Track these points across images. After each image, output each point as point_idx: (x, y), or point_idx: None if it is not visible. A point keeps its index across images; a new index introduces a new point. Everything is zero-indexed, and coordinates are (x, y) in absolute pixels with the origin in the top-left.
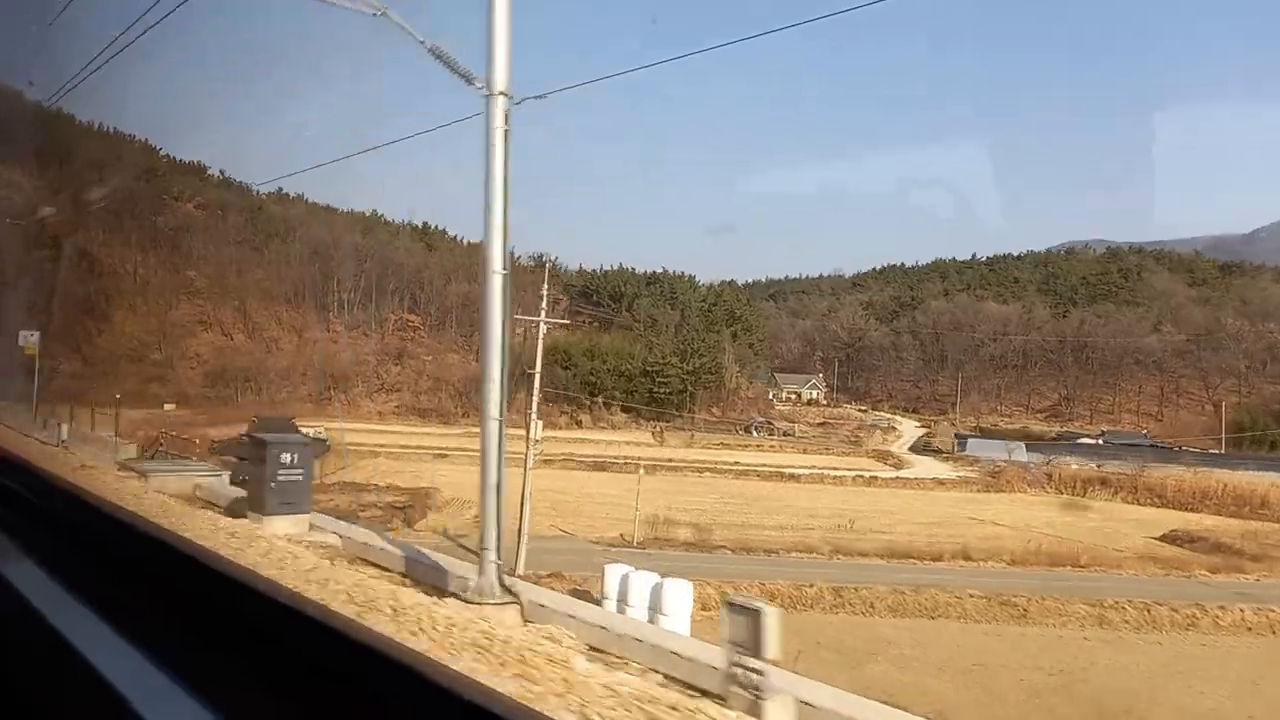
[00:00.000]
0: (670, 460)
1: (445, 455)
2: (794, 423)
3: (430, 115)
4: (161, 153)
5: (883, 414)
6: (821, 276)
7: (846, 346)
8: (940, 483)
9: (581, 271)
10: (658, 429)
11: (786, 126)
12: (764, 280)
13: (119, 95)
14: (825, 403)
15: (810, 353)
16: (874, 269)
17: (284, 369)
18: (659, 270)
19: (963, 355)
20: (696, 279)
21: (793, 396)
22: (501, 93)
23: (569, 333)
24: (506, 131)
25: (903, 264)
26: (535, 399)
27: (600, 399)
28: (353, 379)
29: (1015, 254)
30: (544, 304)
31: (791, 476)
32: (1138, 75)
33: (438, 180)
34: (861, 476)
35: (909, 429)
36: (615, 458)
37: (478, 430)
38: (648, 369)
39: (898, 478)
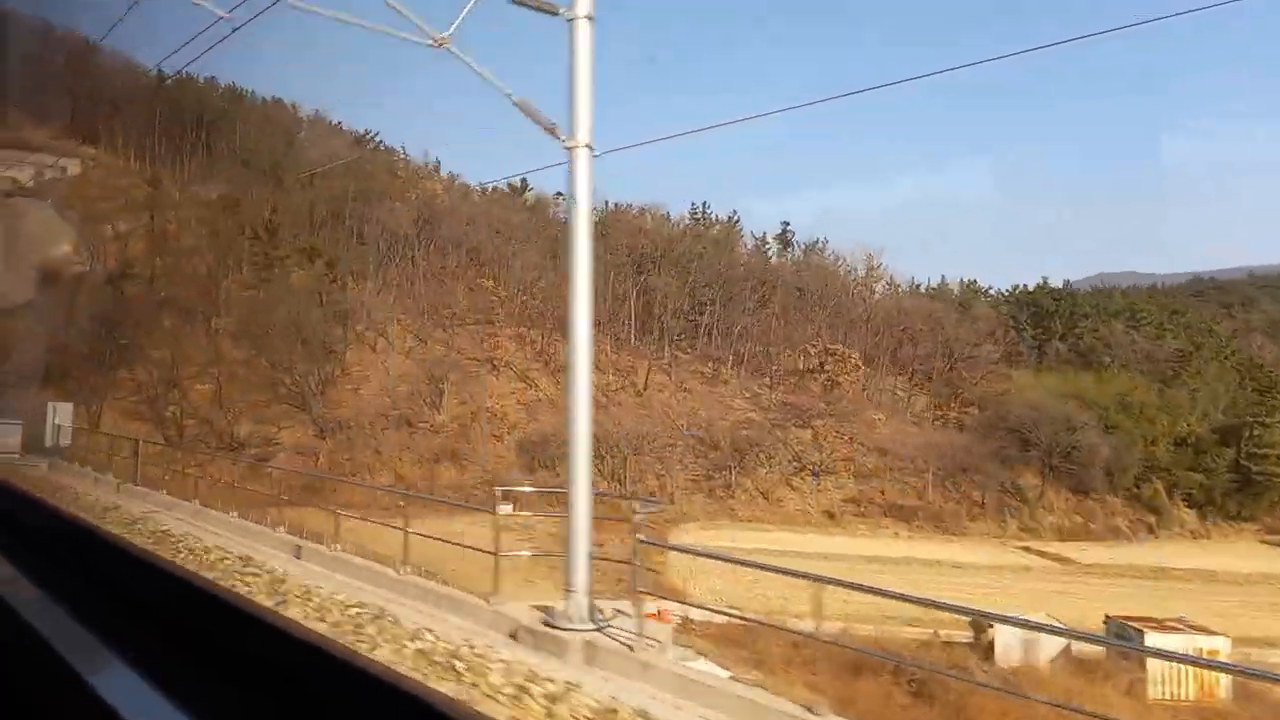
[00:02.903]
0: None
1: None
2: None
3: None
4: (331, 120)
5: None
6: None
7: None
8: None
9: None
10: None
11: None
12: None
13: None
14: None
15: None
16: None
17: (637, 436)
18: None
19: None
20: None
21: None
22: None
23: (1032, 373)
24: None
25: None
26: None
27: (1158, 485)
28: (754, 454)
29: None
30: None
31: None
32: None
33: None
34: None
35: None
36: None
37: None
38: (1248, 434)
39: None
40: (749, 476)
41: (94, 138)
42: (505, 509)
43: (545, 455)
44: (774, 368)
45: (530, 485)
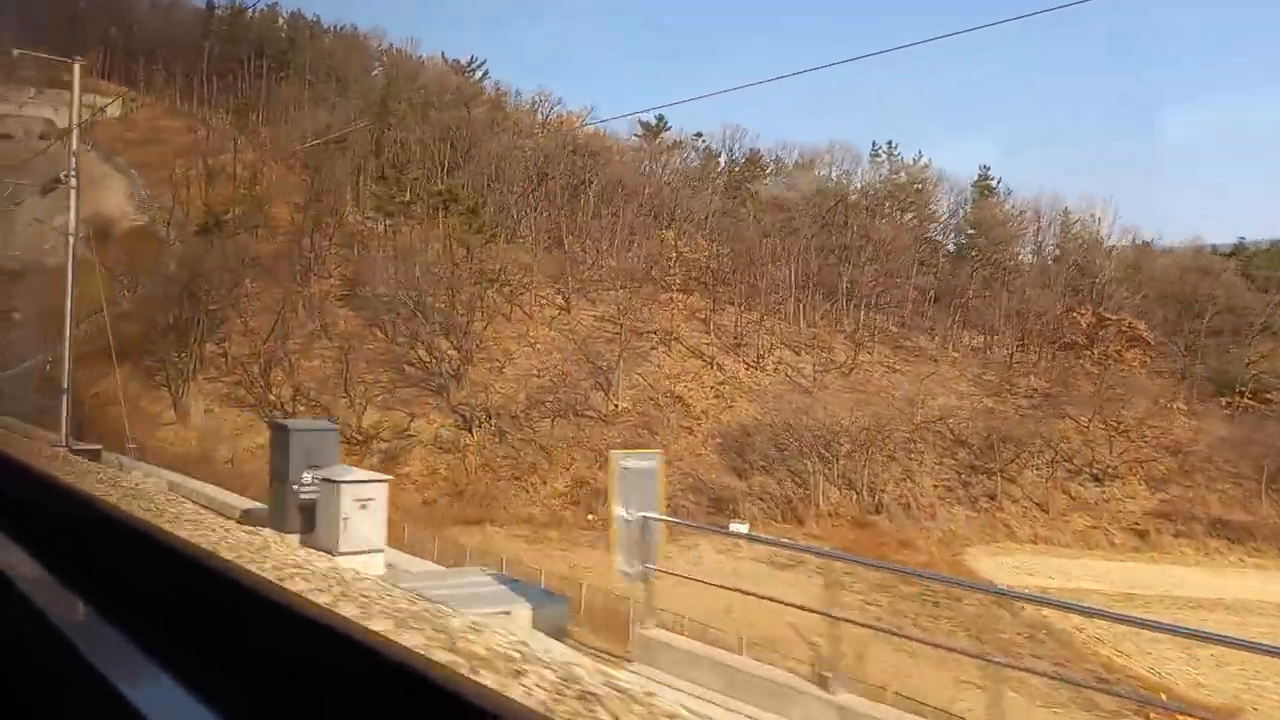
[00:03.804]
0: None
1: None
2: None
3: None
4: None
5: None
6: None
7: None
8: None
9: None
10: None
11: None
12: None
13: None
14: None
15: None
16: None
17: (862, 429)
18: None
19: None
20: None
21: None
22: None
23: None
24: None
25: None
26: None
27: None
28: (1011, 452)
29: None
30: None
31: None
32: None
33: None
34: None
35: None
36: None
37: None
38: None
39: None
40: (1014, 482)
41: (132, 78)
42: (740, 528)
43: (753, 453)
44: (1012, 343)
45: (744, 490)
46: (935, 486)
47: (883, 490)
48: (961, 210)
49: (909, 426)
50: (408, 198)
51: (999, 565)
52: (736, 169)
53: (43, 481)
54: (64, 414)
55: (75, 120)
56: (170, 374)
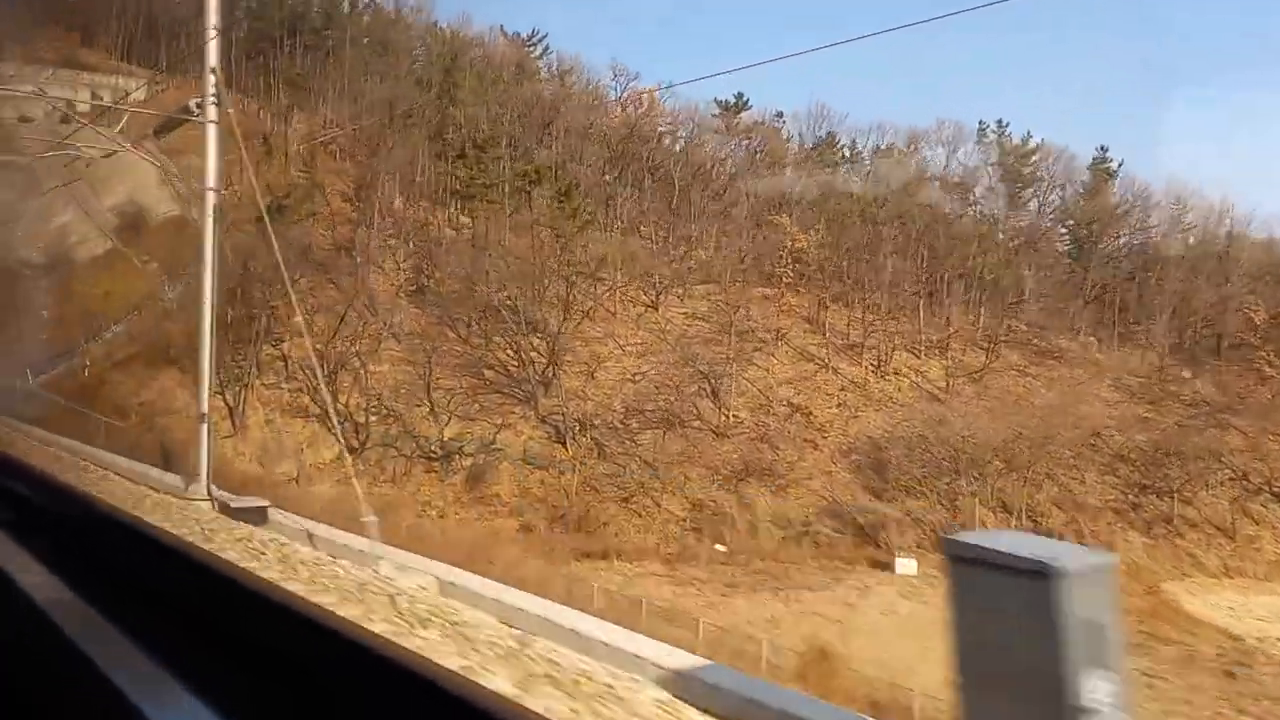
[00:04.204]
0: None
1: None
2: None
3: None
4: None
5: None
6: None
7: None
8: None
9: None
10: None
11: None
12: None
13: None
14: None
15: None
16: None
17: (1009, 444)
18: None
19: None
20: None
21: None
22: None
23: None
24: None
25: None
26: None
27: None
28: (1178, 468)
29: None
30: None
31: None
32: None
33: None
34: None
35: None
36: None
37: None
38: None
39: None
40: (1189, 503)
41: (155, 59)
42: (908, 565)
43: (886, 469)
44: (1164, 344)
45: (892, 516)
46: (1102, 506)
47: (1044, 514)
48: (1079, 195)
49: (1063, 440)
50: (488, 180)
51: (1211, 606)
52: (805, 152)
53: (45, 481)
54: (204, 450)
55: (213, 18)
56: (226, 380)
